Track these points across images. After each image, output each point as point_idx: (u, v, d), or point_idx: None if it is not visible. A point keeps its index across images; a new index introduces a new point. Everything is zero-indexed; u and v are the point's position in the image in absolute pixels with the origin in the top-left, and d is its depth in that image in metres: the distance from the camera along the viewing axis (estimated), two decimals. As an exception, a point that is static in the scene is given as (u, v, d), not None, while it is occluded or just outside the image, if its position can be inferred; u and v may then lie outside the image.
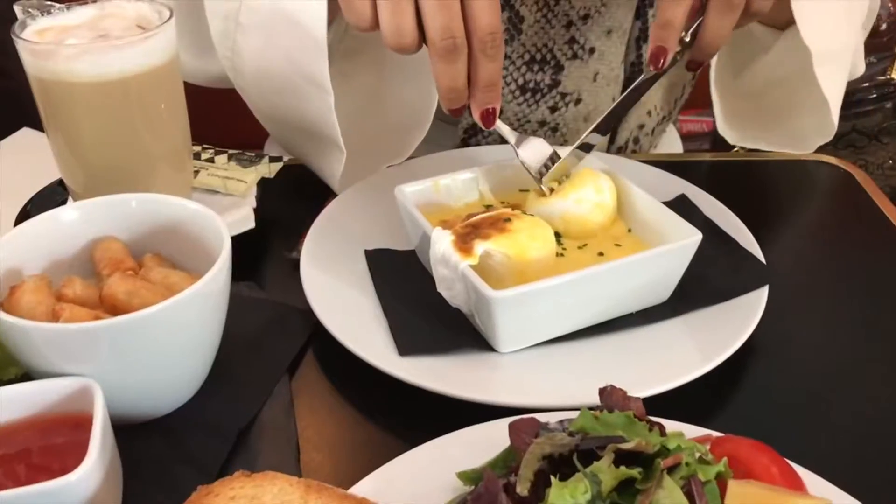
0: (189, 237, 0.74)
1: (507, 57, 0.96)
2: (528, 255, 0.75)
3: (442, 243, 0.74)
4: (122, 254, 0.72)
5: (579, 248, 0.82)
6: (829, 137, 0.97)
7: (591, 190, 0.81)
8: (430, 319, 0.72)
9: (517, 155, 0.82)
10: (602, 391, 0.63)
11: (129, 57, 0.80)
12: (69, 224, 0.73)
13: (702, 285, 0.80)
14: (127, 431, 0.65)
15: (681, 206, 0.87)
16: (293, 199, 0.96)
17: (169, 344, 0.64)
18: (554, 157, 0.79)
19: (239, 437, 0.65)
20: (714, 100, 1.01)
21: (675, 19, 0.70)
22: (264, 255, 0.87)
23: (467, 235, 0.75)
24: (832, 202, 1.05)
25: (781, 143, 1.02)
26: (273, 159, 0.98)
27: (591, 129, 0.79)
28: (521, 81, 0.98)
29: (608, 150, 1.06)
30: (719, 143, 1.70)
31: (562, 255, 0.81)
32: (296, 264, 0.80)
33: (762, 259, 0.84)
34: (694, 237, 0.76)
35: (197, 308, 0.65)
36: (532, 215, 0.79)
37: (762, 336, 0.72)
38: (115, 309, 0.65)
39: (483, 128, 0.70)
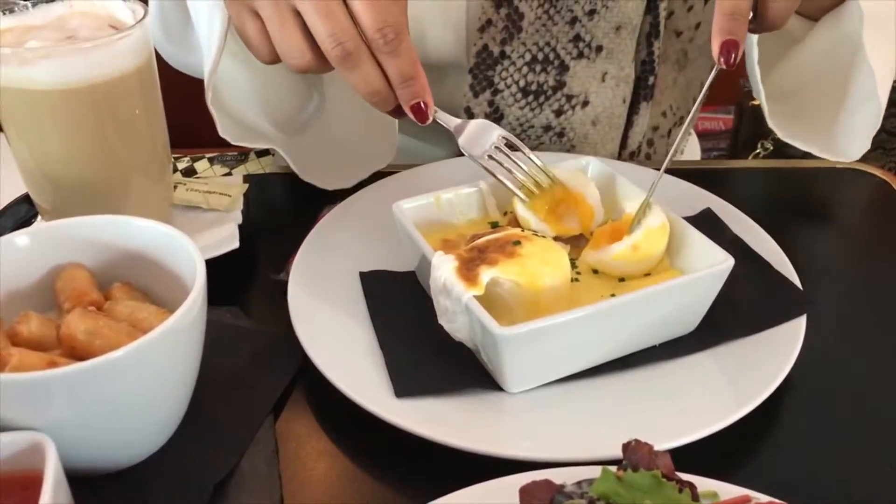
0: (161, 264, 0.66)
1: (506, 57, 0.88)
2: (540, 284, 0.67)
3: (443, 270, 0.66)
4: (87, 284, 0.64)
5: (595, 272, 0.74)
6: (874, 129, 0.88)
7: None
8: (430, 354, 0.65)
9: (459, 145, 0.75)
10: (626, 447, 0.55)
11: (98, 61, 0.73)
12: (27, 249, 0.65)
13: (732, 314, 0.72)
14: (87, 486, 0.57)
15: (707, 222, 0.80)
16: (282, 213, 0.89)
17: (135, 391, 0.57)
18: (504, 143, 0.73)
19: (215, 490, 0.57)
20: (759, 92, 0.93)
21: (742, 5, 0.63)
22: (250, 277, 0.80)
23: (472, 261, 0.67)
24: (870, 215, 0.96)
25: (821, 146, 0.93)
26: (260, 154, 0.91)
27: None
28: (522, 83, 0.91)
29: (619, 156, 0.98)
30: (739, 143, 1.62)
31: (577, 279, 0.73)
32: (284, 287, 0.73)
33: (797, 283, 0.76)
34: (725, 263, 0.68)
35: (167, 349, 0.58)
36: (544, 237, 0.71)
37: (801, 371, 0.64)
38: (73, 351, 0.57)
39: (419, 124, 0.67)
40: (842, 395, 0.70)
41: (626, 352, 0.69)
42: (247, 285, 0.81)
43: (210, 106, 0.80)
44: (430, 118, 0.68)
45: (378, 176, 0.88)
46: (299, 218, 0.83)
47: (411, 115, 0.67)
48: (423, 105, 0.66)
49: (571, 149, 0.95)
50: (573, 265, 0.74)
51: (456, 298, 0.65)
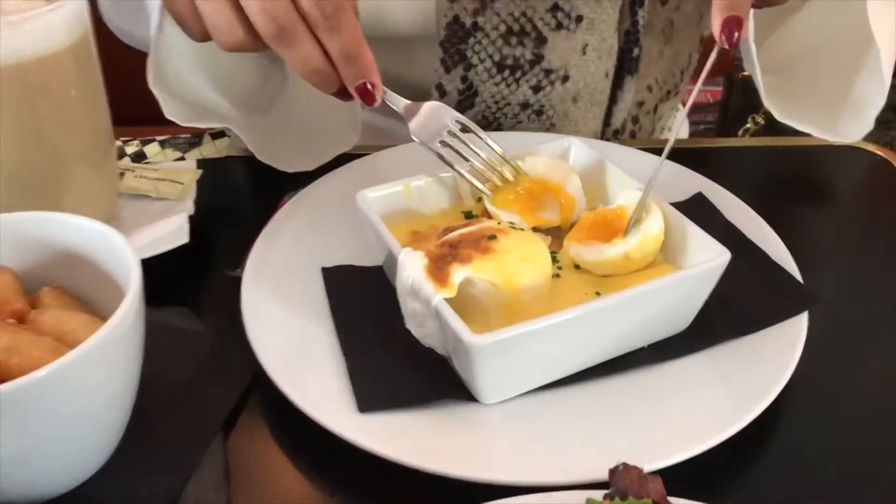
0: (95, 265, 0.59)
1: (479, 29, 0.81)
2: (517, 282, 0.61)
3: (411, 269, 0.60)
4: (12, 289, 0.57)
5: (577, 266, 0.67)
6: (878, 108, 0.81)
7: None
8: (398, 361, 0.59)
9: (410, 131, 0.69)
10: (613, 472, 0.49)
11: (26, 37, 0.65)
12: (-57, 253, 0.58)
13: (727, 311, 0.66)
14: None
15: (699, 209, 0.74)
16: (240, 202, 0.82)
17: (61, 414, 0.50)
18: (457, 127, 0.68)
19: (158, 521, 0.51)
20: (754, 68, 0.86)
21: None
22: (203, 273, 0.73)
23: (442, 259, 0.61)
24: (871, 197, 0.90)
25: (821, 126, 0.87)
26: (216, 136, 0.84)
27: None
28: (497, 57, 0.84)
29: (602, 135, 0.91)
30: (728, 116, 1.55)
31: (558, 275, 0.67)
32: (240, 285, 0.66)
33: (798, 275, 0.70)
34: (721, 258, 0.62)
35: (97, 366, 0.51)
36: (522, 230, 0.65)
37: (801, 375, 0.59)
38: (-12, 371, 0.50)
39: (366, 105, 0.62)
40: (848, 399, 0.64)
41: (611, 355, 0.63)
42: (199, 282, 0.74)
43: (153, 87, 0.72)
44: (378, 100, 0.62)
45: (345, 159, 0.81)
46: (258, 207, 0.77)
47: (357, 97, 0.62)
48: (369, 86, 0.61)
49: (551, 127, 0.89)
50: (554, 259, 0.68)
51: (425, 301, 0.59)
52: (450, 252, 0.62)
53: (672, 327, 0.65)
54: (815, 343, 0.61)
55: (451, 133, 0.70)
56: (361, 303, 0.68)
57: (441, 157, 0.69)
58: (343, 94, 0.62)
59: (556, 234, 0.71)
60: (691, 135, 1.16)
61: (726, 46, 0.59)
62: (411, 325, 0.61)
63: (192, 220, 0.74)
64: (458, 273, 0.59)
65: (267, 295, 0.67)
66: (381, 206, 0.70)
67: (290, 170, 0.81)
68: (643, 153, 0.82)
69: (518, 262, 0.61)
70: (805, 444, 0.60)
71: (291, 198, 0.77)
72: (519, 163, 0.72)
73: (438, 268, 0.60)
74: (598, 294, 0.65)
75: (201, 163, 0.82)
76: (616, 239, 0.65)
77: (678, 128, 0.69)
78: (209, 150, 0.82)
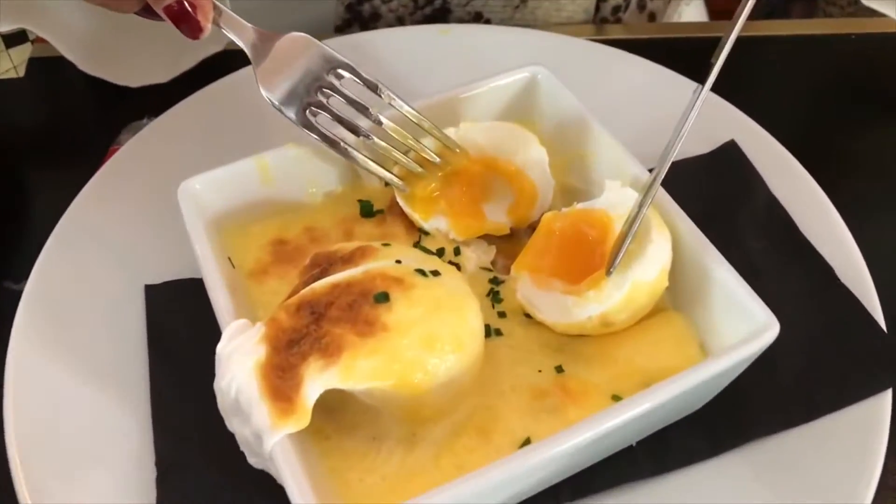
0: None
1: None
2: (421, 384, 0.37)
3: (236, 372, 0.35)
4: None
5: (527, 317, 0.42)
6: None
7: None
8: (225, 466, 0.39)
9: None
10: None
11: None
12: None
13: (763, 387, 0.42)
14: None
15: (728, 173, 0.54)
16: (44, 163, 0.56)
17: None
18: (337, 78, 0.45)
19: None
20: None
21: None
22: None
23: (292, 349, 0.36)
24: None
25: None
26: (12, 41, 0.57)
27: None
28: None
29: (596, 15, 0.72)
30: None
31: (498, 332, 0.42)
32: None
33: (879, 315, 0.45)
34: (765, 334, 0.38)
35: None
36: (436, 272, 0.39)
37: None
38: None
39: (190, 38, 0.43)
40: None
41: (582, 467, 0.39)
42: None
43: None
44: (206, 29, 0.42)
45: (215, 69, 0.58)
46: (75, 163, 0.56)
47: (168, 21, 0.42)
48: (187, 5, 0.41)
49: (523, 7, 0.60)
50: (495, 297, 0.43)
51: (255, 434, 0.34)
52: (308, 330, 0.36)
53: (677, 415, 0.41)
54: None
55: (326, 89, 0.42)
56: (197, 349, 0.42)
57: (318, 136, 0.43)
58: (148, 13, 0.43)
59: (505, 243, 0.45)
60: (713, 21, 0.83)
61: None
62: (243, 447, 0.37)
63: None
64: (315, 383, 0.35)
65: (51, 331, 0.43)
66: (220, 199, 0.44)
67: (134, 83, 0.61)
68: (659, 69, 0.55)
69: (422, 349, 0.37)
70: None
71: (129, 139, 0.56)
72: (451, 131, 0.45)
73: (283, 370, 0.35)
74: (558, 370, 0.40)
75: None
76: (590, 289, 0.39)
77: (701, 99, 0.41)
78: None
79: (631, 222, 0.40)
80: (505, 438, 0.39)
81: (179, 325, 0.46)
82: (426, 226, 0.45)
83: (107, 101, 0.60)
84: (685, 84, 0.56)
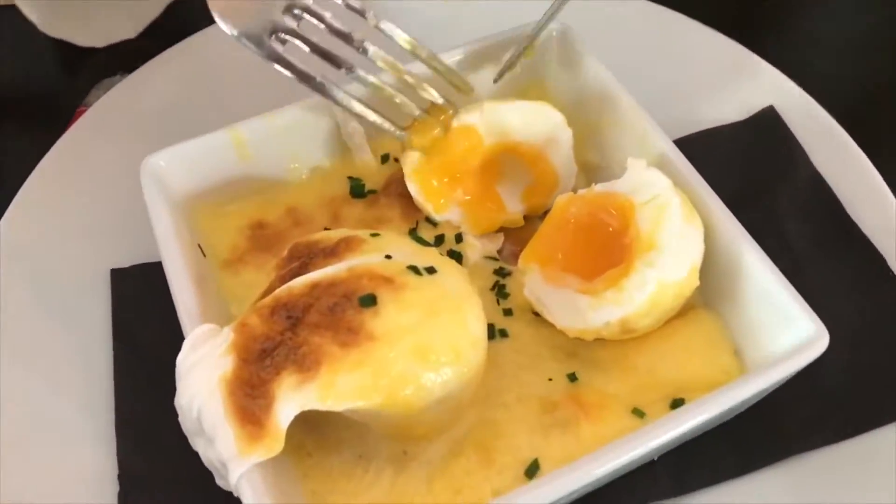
0: None
1: None
2: (413, 402, 0.32)
3: (200, 389, 0.30)
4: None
5: (536, 314, 0.38)
6: None
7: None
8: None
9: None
10: None
11: None
12: None
13: (801, 397, 0.38)
14: None
15: (767, 146, 0.47)
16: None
17: None
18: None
19: None
20: None
21: None
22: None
23: (264, 361, 0.31)
24: None
25: None
26: None
27: None
28: None
29: None
30: None
31: (504, 334, 0.38)
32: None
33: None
34: (816, 345, 0.33)
35: None
36: (431, 268, 0.34)
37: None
38: None
39: None
40: None
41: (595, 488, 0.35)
42: None
43: None
44: None
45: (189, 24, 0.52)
46: (40, 127, 0.52)
47: None
48: None
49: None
50: (500, 292, 0.38)
51: (219, 463, 0.30)
52: (283, 338, 0.31)
53: (704, 429, 0.36)
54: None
55: (299, 10, 0.37)
56: (171, 345, 0.37)
57: (286, 69, 0.37)
58: None
59: (514, 228, 0.40)
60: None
61: None
62: (210, 468, 0.33)
63: None
64: (289, 403, 0.30)
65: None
66: (190, 177, 0.39)
67: (100, 43, 0.55)
68: (690, 22, 0.49)
69: (414, 361, 0.32)
70: None
71: (97, 101, 0.51)
72: (475, 115, 0.40)
73: (252, 386, 0.31)
74: (571, 378, 0.35)
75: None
76: (608, 288, 0.34)
77: None
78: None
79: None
80: (508, 458, 0.34)
81: (149, 317, 0.41)
82: (437, 218, 0.40)
83: (76, 58, 0.54)
84: (721, 43, 0.50)
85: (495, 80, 0.38)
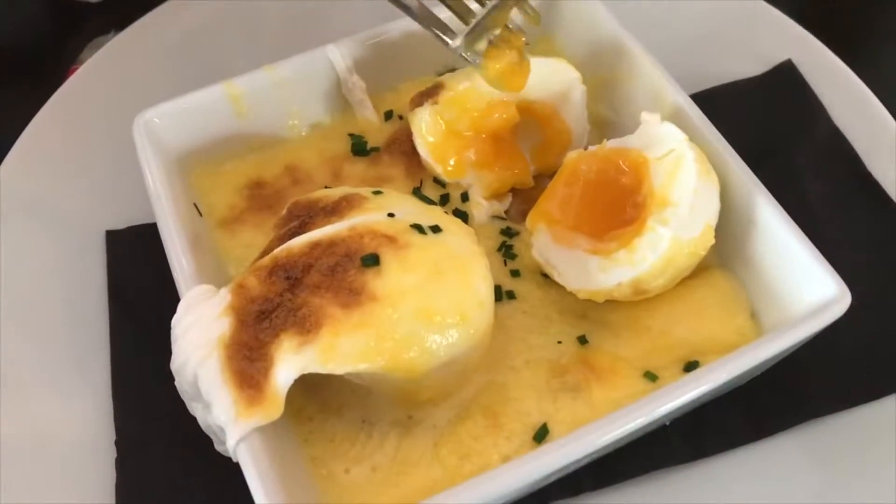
0: None
1: None
2: (417, 366, 0.30)
3: (194, 351, 0.29)
4: None
5: (544, 275, 0.36)
6: None
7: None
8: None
9: None
10: None
11: None
12: None
13: (819, 359, 0.36)
14: None
15: (785, 102, 0.47)
16: None
17: None
18: None
19: None
20: None
21: None
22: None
23: (262, 322, 0.30)
24: None
25: None
26: None
27: None
28: None
29: None
30: None
31: (511, 295, 0.36)
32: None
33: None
34: (832, 309, 0.32)
35: None
36: (437, 228, 0.32)
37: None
38: None
39: None
40: None
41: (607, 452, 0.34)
42: None
43: None
44: None
45: None
46: (32, 85, 0.50)
47: None
48: None
49: None
50: (507, 253, 0.36)
51: (217, 427, 0.29)
52: (282, 300, 0.30)
53: (719, 393, 0.35)
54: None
55: None
56: (167, 308, 0.36)
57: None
58: None
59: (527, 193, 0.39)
60: None
61: None
62: (208, 433, 0.32)
63: None
64: (288, 366, 0.29)
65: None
66: (185, 135, 0.38)
67: None
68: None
69: (418, 323, 0.31)
70: None
71: (91, 56, 0.49)
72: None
73: (251, 349, 0.30)
74: (581, 341, 0.34)
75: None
76: (620, 248, 0.33)
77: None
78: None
79: None
80: (517, 423, 0.33)
81: (145, 279, 0.40)
82: (447, 180, 0.38)
83: (70, 18, 0.52)
84: None
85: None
